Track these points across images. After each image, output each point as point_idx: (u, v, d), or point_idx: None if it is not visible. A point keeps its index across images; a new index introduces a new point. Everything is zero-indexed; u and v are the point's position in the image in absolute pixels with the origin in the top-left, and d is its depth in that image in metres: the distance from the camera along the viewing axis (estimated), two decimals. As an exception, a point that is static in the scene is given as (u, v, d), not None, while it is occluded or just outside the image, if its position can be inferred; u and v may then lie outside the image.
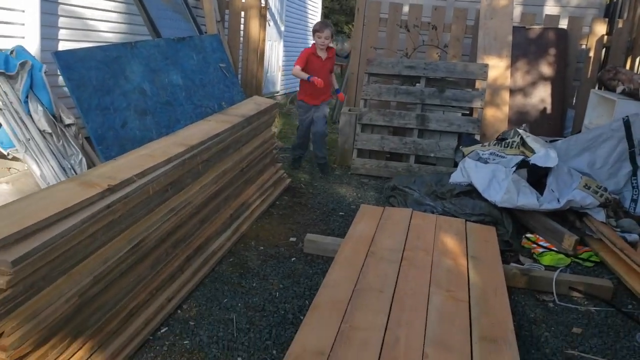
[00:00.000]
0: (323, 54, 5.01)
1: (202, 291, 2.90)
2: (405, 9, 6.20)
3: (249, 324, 2.63)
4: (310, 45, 5.10)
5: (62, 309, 1.93)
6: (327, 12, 18.96)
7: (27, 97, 3.54)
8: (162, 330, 2.52)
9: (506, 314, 2.47)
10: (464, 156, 4.58)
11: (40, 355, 1.87)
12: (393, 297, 2.53)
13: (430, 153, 5.37)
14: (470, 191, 4.18)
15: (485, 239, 3.40)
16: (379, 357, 2.06)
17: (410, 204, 4.18)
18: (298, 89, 5.37)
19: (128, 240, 2.35)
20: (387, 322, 2.31)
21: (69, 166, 3.59)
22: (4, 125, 3.49)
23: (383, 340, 2.16)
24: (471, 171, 4.25)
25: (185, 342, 2.44)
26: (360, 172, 5.45)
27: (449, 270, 2.88)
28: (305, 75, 4.88)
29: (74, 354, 2.03)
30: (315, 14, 13.75)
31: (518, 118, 5.75)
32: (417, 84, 5.54)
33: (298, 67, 4.93)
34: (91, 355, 2.10)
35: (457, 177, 4.38)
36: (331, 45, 5.12)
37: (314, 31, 4.98)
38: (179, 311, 2.69)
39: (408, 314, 2.39)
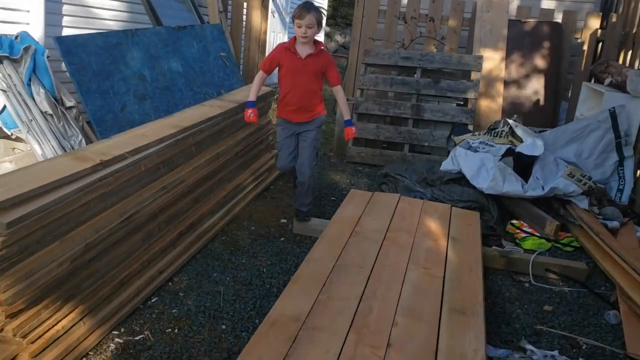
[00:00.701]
0: (303, 51, 3.39)
1: (194, 266, 3.05)
2: (404, 1, 6.29)
3: (236, 296, 2.77)
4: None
5: (55, 272, 2.07)
6: (335, 5, 18.92)
7: (30, 80, 3.69)
8: (152, 300, 2.67)
9: (478, 289, 2.59)
10: (455, 145, 4.68)
11: (33, 314, 2.02)
12: (371, 272, 2.65)
13: (424, 142, 5.48)
14: (459, 178, 4.28)
15: (468, 222, 3.51)
16: (351, 323, 2.19)
17: (401, 190, 4.29)
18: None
19: (120, 213, 2.49)
20: (363, 294, 2.44)
21: (69, 146, 3.74)
22: (8, 106, 3.65)
23: (357, 309, 2.30)
24: (461, 159, 4.35)
25: (173, 311, 2.59)
26: (356, 160, 5.57)
27: (429, 249, 2.99)
28: (253, 90, 3.47)
29: (66, 316, 2.18)
30: (322, 6, 13.82)
31: (512, 109, 5.83)
32: (414, 75, 5.64)
33: (259, 74, 3.53)
34: (83, 317, 2.25)
35: (447, 164, 4.49)
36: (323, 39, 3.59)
37: (293, 18, 3.35)
38: (169, 283, 2.84)
39: (384, 288, 2.52)
